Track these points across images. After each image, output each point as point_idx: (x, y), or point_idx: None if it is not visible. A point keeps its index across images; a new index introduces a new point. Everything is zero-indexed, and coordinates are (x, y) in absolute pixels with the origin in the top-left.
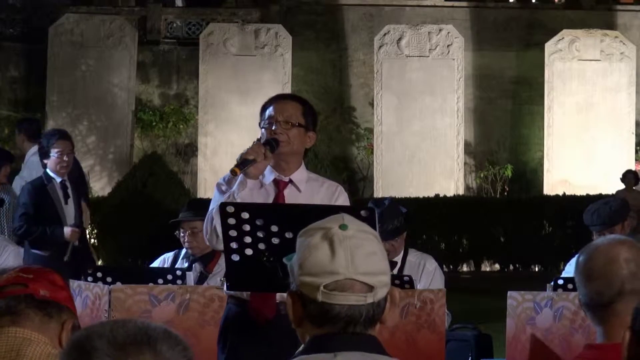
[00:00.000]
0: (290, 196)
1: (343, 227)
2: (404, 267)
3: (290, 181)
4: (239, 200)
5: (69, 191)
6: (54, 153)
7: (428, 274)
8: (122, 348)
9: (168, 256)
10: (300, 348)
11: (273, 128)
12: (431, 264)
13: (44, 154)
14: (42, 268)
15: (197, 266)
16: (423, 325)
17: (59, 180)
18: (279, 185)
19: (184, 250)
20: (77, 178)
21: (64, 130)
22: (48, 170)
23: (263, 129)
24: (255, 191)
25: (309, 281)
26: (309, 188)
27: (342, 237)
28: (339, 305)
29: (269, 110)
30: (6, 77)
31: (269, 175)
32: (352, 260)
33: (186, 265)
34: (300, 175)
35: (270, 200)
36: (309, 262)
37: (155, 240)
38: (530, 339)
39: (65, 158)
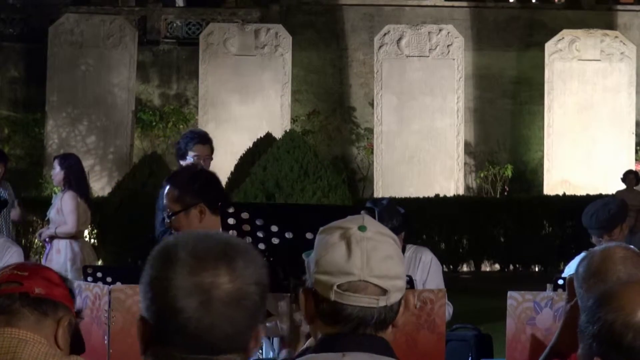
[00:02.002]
0: None
1: (362, 228)
2: None
3: None
4: None
5: None
6: (190, 157)
7: (424, 265)
8: (201, 261)
9: None
10: (307, 344)
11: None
12: (427, 256)
13: (180, 155)
14: (38, 265)
15: None
16: (423, 325)
17: None
18: None
19: None
20: (79, 179)
21: (204, 133)
22: None
23: None
24: None
25: (323, 279)
26: None
27: (360, 238)
28: (350, 306)
29: None
30: (6, 77)
31: None
32: (368, 262)
33: None
34: None
35: None
36: (325, 261)
37: (155, 240)
38: (530, 339)
39: (202, 162)
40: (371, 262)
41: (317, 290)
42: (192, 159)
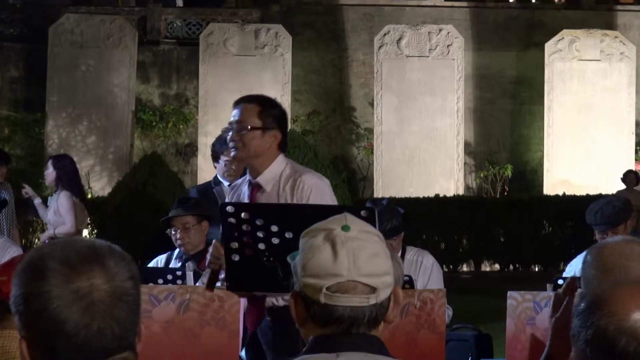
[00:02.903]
0: (259, 198)
1: (345, 228)
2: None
3: (257, 184)
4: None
5: None
6: (223, 159)
7: (425, 269)
8: (74, 267)
9: (161, 258)
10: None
11: (229, 134)
12: (428, 260)
13: (214, 158)
14: (17, 264)
15: (190, 265)
16: (423, 325)
17: (226, 183)
18: (252, 187)
19: (176, 251)
20: (71, 179)
21: None
22: (218, 174)
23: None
24: (241, 194)
25: (311, 283)
26: (274, 187)
27: (345, 238)
28: (341, 307)
29: (231, 114)
30: (6, 77)
31: (247, 178)
32: (355, 262)
33: (179, 265)
34: (269, 174)
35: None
36: (312, 264)
37: (155, 240)
38: (530, 339)
39: (233, 167)
40: (358, 262)
41: (307, 294)
42: (224, 163)
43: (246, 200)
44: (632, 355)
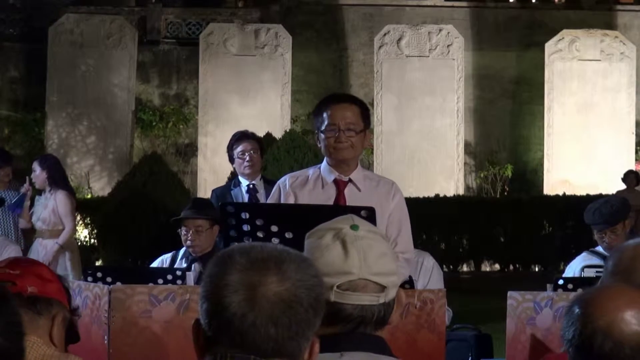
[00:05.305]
0: (351, 195)
1: (354, 227)
2: None
3: (350, 180)
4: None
5: (259, 195)
6: (236, 155)
7: (426, 271)
8: (252, 264)
9: (166, 257)
10: None
11: (336, 136)
12: (429, 261)
13: (231, 160)
14: (29, 260)
15: (196, 266)
16: (423, 325)
17: (246, 183)
18: (339, 185)
19: (182, 250)
20: (64, 178)
21: (243, 130)
22: (239, 175)
23: (322, 134)
24: (315, 192)
25: None
26: (367, 187)
27: (354, 237)
28: (351, 305)
29: (328, 115)
30: (6, 77)
31: (330, 176)
32: (365, 261)
33: (185, 265)
34: (358, 174)
35: (332, 200)
36: (322, 263)
37: (155, 240)
38: (530, 339)
39: (247, 157)
40: (368, 260)
41: None
42: (239, 158)
43: (333, 195)
44: (608, 354)
